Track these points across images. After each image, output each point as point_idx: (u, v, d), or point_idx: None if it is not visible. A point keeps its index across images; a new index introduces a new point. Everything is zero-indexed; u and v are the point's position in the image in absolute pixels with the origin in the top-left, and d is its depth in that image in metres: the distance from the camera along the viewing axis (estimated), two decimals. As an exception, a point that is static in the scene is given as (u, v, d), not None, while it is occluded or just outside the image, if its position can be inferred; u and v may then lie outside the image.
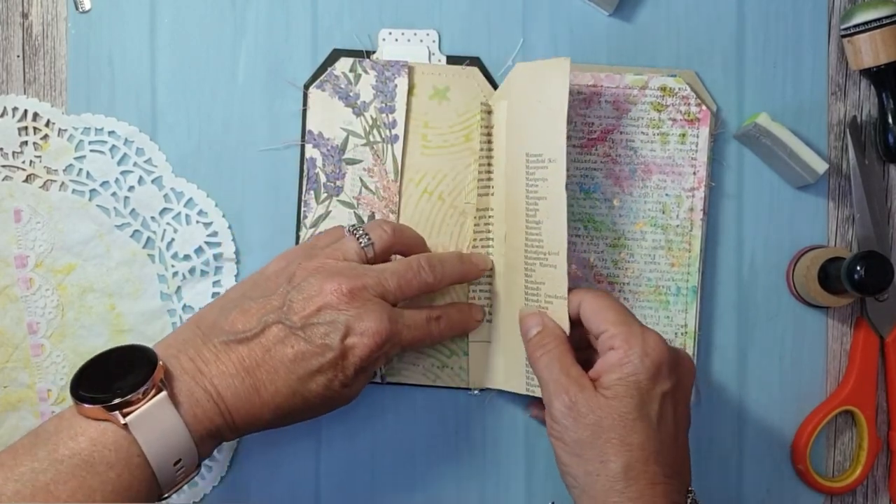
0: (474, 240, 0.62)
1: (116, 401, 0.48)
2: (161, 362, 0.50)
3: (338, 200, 0.63)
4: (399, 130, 0.63)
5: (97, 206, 0.63)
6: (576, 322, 0.57)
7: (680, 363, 0.54)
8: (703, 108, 0.62)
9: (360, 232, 0.57)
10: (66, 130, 0.63)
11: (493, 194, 0.62)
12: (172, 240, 0.63)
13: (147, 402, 0.48)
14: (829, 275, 0.60)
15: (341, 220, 0.63)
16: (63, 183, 0.63)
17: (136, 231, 0.63)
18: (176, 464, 0.49)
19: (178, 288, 0.63)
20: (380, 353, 0.54)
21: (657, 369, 0.52)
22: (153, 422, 0.48)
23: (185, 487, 0.63)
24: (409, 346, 0.57)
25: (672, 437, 0.53)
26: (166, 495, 0.51)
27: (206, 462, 0.63)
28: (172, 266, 0.63)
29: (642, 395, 0.52)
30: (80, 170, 0.63)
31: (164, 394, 0.49)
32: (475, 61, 0.63)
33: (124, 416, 0.48)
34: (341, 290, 0.52)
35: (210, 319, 0.53)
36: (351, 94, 0.63)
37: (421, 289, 0.56)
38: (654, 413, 0.52)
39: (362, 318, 0.52)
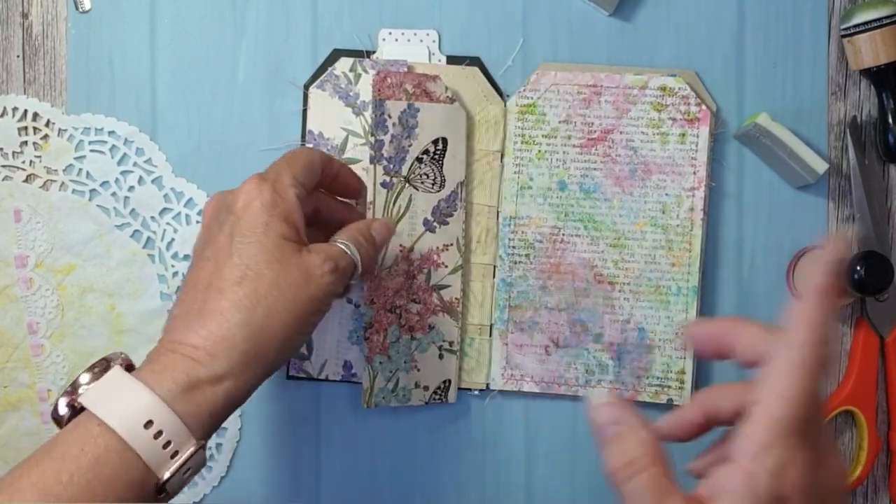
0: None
1: (67, 390, 0.46)
2: (123, 354, 0.48)
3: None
4: (399, 130, 0.63)
5: (97, 206, 0.63)
6: None
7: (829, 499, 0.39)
8: (703, 107, 0.62)
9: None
10: (66, 130, 0.63)
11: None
12: (172, 240, 0.63)
13: (99, 381, 0.46)
14: (829, 275, 0.60)
15: (341, 220, 0.63)
16: (63, 183, 0.63)
17: (136, 231, 0.63)
18: (147, 426, 0.44)
19: (178, 288, 0.63)
20: (271, 189, 0.50)
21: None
22: (107, 390, 0.45)
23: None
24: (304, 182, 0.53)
25: None
26: (167, 475, 0.45)
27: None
28: (172, 266, 0.63)
29: None
30: (80, 170, 0.63)
31: (116, 366, 0.47)
32: (475, 61, 0.63)
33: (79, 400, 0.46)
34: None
35: None
36: (351, 94, 0.63)
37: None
38: None
39: (233, 192, 0.51)
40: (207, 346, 0.47)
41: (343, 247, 0.52)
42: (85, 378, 0.47)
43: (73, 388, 0.47)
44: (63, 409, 0.46)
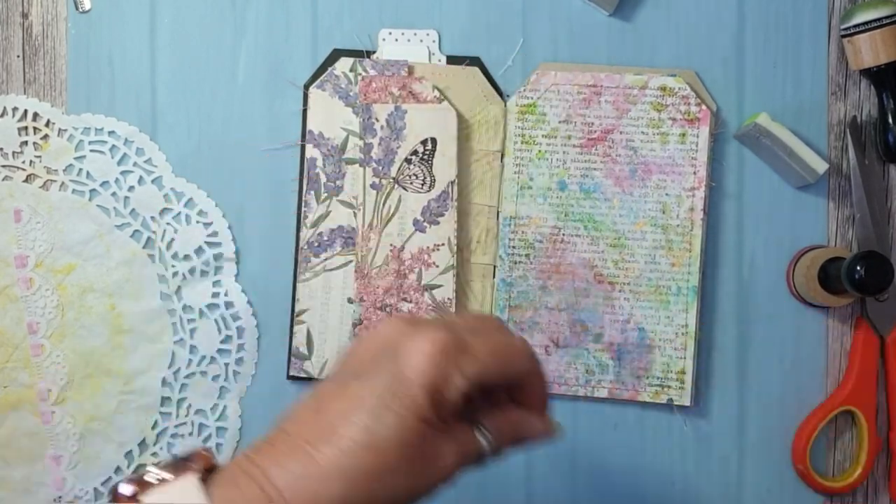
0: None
1: (129, 476, 0.42)
2: (206, 453, 0.44)
3: (338, 200, 0.63)
4: (399, 130, 0.63)
5: (97, 206, 0.63)
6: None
7: None
8: (703, 107, 0.62)
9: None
10: (66, 130, 0.63)
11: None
12: (172, 240, 0.63)
13: (171, 483, 0.42)
14: (829, 275, 0.60)
15: (341, 220, 0.63)
16: (63, 183, 0.63)
17: (136, 231, 0.63)
18: None
19: (178, 288, 0.63)
20: (448, 369, 0.44)
21: None
22: (172, 500, 0.42)
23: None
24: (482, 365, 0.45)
25: None
26: None
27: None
28: (172, 266, 0.63)
29: None
30: (80, 170, 0.63)
31: (191, 476, 0.42)
32: (475, 61, 0.63)
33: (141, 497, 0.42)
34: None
35: None
36: (351, 94, 0.63)
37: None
38: None
39: (413, 336, 0.44)
40: (288, 497, 0.42)
41: (483, 440, 0.47)
42: (156, 470, 0.43)
43: (139, 478, 0.43)
44: (126, 491, 0.42)
